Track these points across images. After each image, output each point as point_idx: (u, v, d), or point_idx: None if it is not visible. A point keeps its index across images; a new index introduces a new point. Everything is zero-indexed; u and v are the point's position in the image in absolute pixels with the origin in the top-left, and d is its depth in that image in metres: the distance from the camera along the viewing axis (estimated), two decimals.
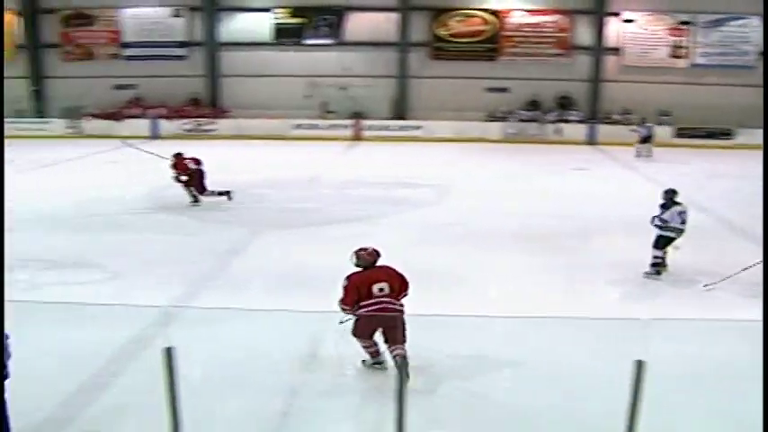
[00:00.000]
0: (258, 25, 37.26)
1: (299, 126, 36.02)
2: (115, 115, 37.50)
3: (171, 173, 18.60)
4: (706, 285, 11.53)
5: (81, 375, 8.31)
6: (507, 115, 36.15)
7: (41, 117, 38.71)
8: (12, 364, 6.68)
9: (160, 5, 37.96)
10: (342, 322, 8.23)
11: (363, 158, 29.44)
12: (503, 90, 36.57)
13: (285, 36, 37.20)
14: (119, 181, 22.29)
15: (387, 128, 35.95)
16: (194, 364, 7.26)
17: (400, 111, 37.25)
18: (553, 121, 35.59)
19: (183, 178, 18.43)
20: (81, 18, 38.69)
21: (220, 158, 28.37)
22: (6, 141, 31.57)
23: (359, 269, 8.37)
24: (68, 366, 8.53)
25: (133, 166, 25.50)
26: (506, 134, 35.43)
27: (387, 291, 8.20)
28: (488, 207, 18.12)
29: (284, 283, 11.78)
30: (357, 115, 36.45)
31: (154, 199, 19.49)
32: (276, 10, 37.08)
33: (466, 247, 14.30)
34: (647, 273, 12.17)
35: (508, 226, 15.93)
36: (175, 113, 37.43)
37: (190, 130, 36.66)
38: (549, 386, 8.00)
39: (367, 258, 8.44)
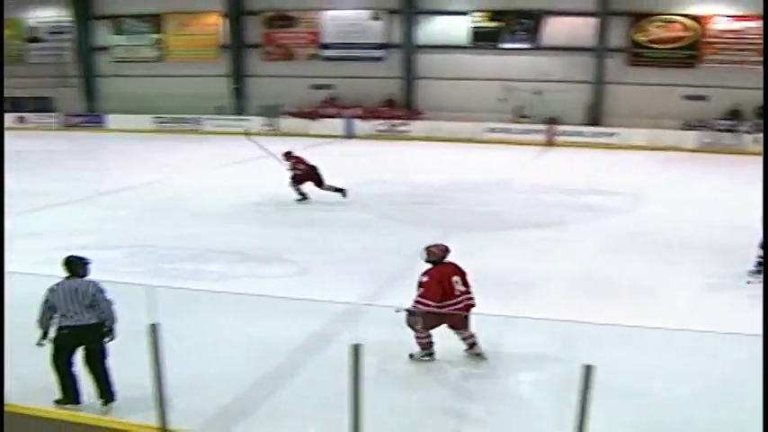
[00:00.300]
0: (455, 28, 37.34)
1: (491, 129, 35.85)
2: (311, 114, 38.67)
3: (287, 170, 19.39)
4: None
5: (266, 365, 8.61)
6: (704, 124, 34.62)
7: (240, 114, 40.37)
8: (122, 328, 7.31)
9: (359, 8, 38.83)
10: (398, 311, 8.34)
11: (555, 164, 28.97)
12: (701, 98, 34.94)
13: (482, 39, 37.10)
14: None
15: (580, 134, 35.19)
16: (375, 360, 7.33)
17: (595, 117, 36.37)
18: (752, 131, 33.73)
19: (295, 174, 19.22)
20: (283, 20, 40.20)
21: (413, 159, 28.87)
22: (204, 137, 33.19)
23: (430, 265, 8.48)
24: (255, 355, 8.85)
25: (330, 164, 26.14)
26: (702, 143, 33.93)
27: (461, 284, 8.42)
28: (681, 217, 17.43)
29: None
30: (551, 120, 35.88)
31: (348, 197, 19.89)
32: (474, 13, 37.04)
33: (656, 256, 13.85)
34: None
35: (701, 237, 15.27)
36: (370, 114, 38.09)
37: (384, 131, 37.24)
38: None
39: (438, 254, 8.54)
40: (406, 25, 38.02)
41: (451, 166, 26.18)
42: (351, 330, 9.02)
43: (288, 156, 19.48)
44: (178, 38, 41.92)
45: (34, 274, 7.96)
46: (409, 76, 38.67)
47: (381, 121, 37.64)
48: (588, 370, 5.32)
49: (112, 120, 41.57)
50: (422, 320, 8.34)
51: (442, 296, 8.25)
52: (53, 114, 43.42)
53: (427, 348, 8.58)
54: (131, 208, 18.76)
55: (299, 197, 19.12)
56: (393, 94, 38.66)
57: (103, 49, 43.53)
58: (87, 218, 17.37)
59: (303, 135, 35.70)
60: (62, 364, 7.23)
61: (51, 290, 7.37)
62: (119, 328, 7.38)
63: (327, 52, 39.68)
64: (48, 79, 43.66)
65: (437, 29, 37.79)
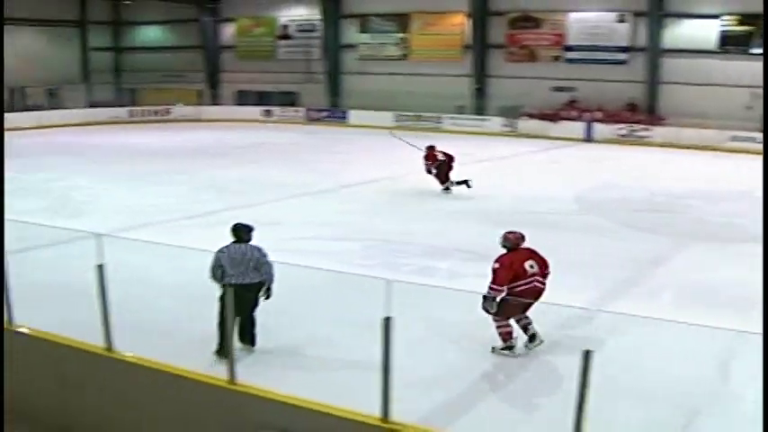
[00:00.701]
0: (703, 32, 36.41)
1: (735, 138, 34.72)
2: (551, 116, 39.08)
3: (423, 163, 20.85)
4: None
5: (484, 364, 9.15)
6: None
7: (480, 114, 41.35)
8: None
9: (605, 10, 38.85)
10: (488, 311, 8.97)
11: None
12: None
13: (731, 44, 35.92)
14: (552, 181, 23.69)
15: None
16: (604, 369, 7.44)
17: None
18: None
19: (433, 170, 20.68)
20: (527, 21, 40.90)
21: (652, 165, 28.57)
22: (443, 135, 34.00)
23: (505, 251, 9.16)
24: (472, 354, 9.36)
25: (567, 167, 26.43)
26: None
27: (536, 268, 9.06)
28: None
29: (702, 298, 11.74)
30: None
31: (583, 201, 20.46)
32: (724, 17, 36.00)
33: None
34: None
35: None
36: (610, 118, 37.98)
37: (624, 136, 37.05)
38: None
39: (513, 241, 9.22)
40: (653, 28, 37.54)
41: (691, 174, 25.96)
42: (580, 336, 9.42)
43: (429, 150, 20.94)
44: (423, 37, 43.50)
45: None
46: (653, 80, 38.17)
47: (622, 126, 37.42)
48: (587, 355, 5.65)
49: (354, 115, 43.77)
50: (499, 308, 8.96)
51: (513, 279, 8.97)
52: (298, 108, 46.10)
53: (507, 340, 9.18)
54: (367, 202, 19.94)
55: (444, 189, 20.67)
56: (635, 98, 38.30)
57: (349, 47, 46.00)
58: (325, 209, 18.69)
59: (542, 137, 36.29)
60: (227, 319, 8.07)
61: (220, 251, 8.75)
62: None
63: (570, 54, 39.93)
64: (295, 75, 46.50)
65: (684, 32, 37.03)
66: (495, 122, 39.77)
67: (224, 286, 8.36)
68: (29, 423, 8.35)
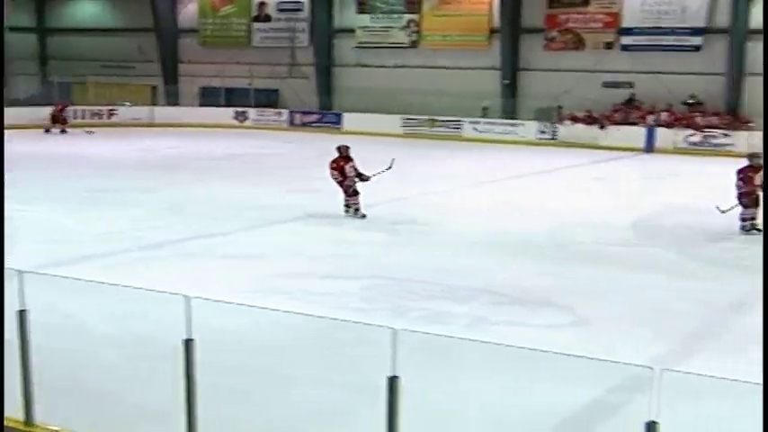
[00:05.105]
0: None
1: None
2: (601, 120, 39.06)
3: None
4: None
5: None
6: None
7: (511, 118, 41.68)
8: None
9: None
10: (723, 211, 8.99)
11: None
12: None
13: None
14: (603, 203, 23.68)
15: None
16: None
17: None
18: None
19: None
20: None
21: (732, 183, 28.40)
22: (465, 144, 33.90)
23: None
24: (511, 428, 9.25)
25: (622, 185, 26.37)
26: None
27: None
28: None
29: None
30: None
31: (645, 228, 20.41)
32: None
33: None
34: None
35: None
36: (678, 121, 38.11)
37: (695, 144, 36.99)
38: None
39: None
40: (736, 4, 37.60)
41: None
42: (642, 401, 9.32)
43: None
44: (438, 19, 43.97)
45: (243, 304, 8.97)
46: (735, 70, 38.17)
47: (693, 132, 37.39)
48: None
49: (350, 119, 44.10)
50: None
51: None
52: (279, 111, 46.60)
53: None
54: (372, 229, 19.85)
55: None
56: (712, 95, 38.27)
57: (345, 31, 46.39)
58: (317, 239, 18.61)
59: (589, 146, 36.29)
60: None
61: None
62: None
63: (627, 39, 40.25)
64: (275, 67, 46.88)
65: None
66: (530, 128, 40.11)
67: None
68: None
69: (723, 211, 18.80)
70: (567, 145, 37.66)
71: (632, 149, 36.37)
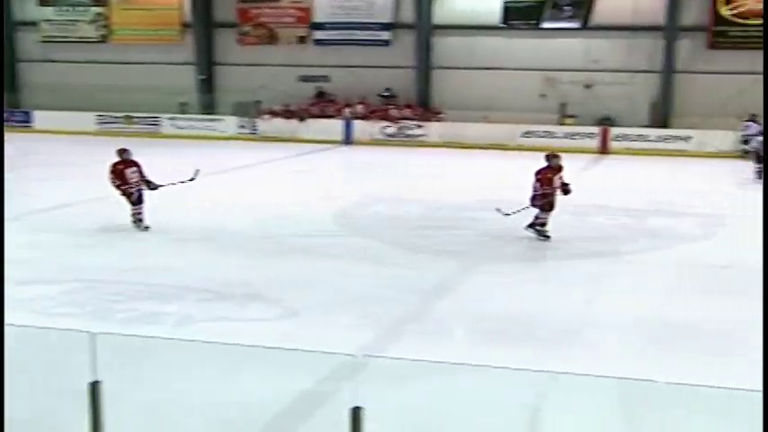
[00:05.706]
0: (484, 4, 38.18)
1: (528, 133, 36.45)
2: (299, 114, 39.37)
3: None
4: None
5: None
6: None
7: (210, 114, 41.37)
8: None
9: None
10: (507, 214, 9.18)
11: (611, 177, 29.47)
12: None
13: (518, 18, 37.73)
14: (305, 195, 23.64)
15: (644, 138, 35.93)
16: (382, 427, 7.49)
17: (662, 116, 36.79)
18: None
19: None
20: None
21: (428, 171, 29.29)
22: (162, 141, 33.57)
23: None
24: (222, 426, 9.03)
25: (323, 177, 26.64)
26: None
27: None
28: None
29: (499, 332, 11.93)
30: (605, 121, 36.51)
31: (347, 219, 20.61)
32: None
33: (741, 297, 13.71)
34: None
35: None
36: (374, 114, 38.91)
37: (391, 135, 37.91)
38: None
39: None
40: (421, 0, 38.58)
41: (478, 181, 26.83)
42: (350, 389, 9.38)
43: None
44: (126, 13, 43.03)
45: None
46: (424, 65, 39.34)
47: (388, 123, 38.35)
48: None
49: (40, 118, 42.46)
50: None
51: None
52: None
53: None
54: (70, 231, 19.01)
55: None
56: (403, 87, 39.43)
57: (28, 24, 44.55)
58: (8, 243, 17.71)
59: (290, 140, 36.43)
60: None
61: None
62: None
63: (320, 34, 40.70)
64: None
65: (461, 5, 38.61)
66: (230, 123, 39.92)
67: None
68: None
69: (507, 215, 17.97)
70: (268, 139, 37.69)
71: (332, 142, 36.84)
